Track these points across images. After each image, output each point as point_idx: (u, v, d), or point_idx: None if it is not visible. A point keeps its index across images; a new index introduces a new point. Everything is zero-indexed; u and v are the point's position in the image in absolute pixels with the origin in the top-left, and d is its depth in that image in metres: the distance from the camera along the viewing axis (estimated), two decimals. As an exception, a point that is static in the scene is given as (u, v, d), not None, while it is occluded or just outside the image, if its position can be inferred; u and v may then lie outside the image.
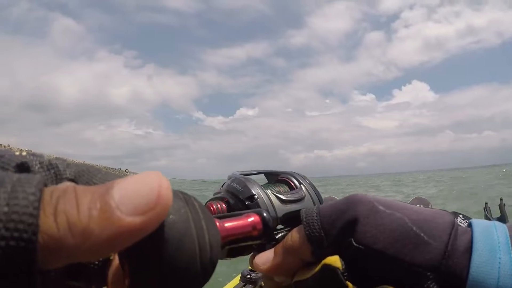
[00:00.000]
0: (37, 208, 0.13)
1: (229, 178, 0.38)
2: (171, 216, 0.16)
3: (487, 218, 1.74)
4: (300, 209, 0.34)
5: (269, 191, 0.36)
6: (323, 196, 0.39)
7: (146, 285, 0.16)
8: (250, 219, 0.25)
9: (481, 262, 0.26)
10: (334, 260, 0.27)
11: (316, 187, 0.38)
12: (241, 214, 0.27)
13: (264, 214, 0.26)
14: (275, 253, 0.32)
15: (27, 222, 0.13)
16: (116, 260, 0.19)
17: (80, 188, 0.14)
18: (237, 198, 0.35)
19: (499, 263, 0.25)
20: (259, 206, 0.34)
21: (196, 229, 0.17)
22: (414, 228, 0.27)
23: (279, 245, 0.32)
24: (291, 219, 0.34)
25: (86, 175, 0.18)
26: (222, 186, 0.39)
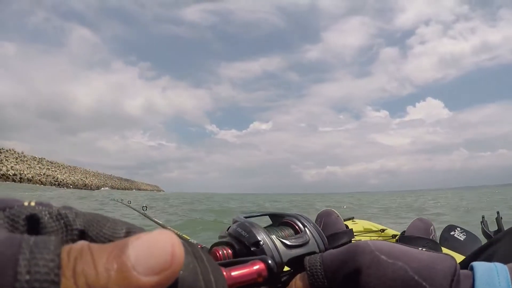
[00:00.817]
0: (58, 274, 0.14)
1: (234, 222, 0.39)
2: (181, 272, 0.17)
3: (484, 232, 1.74)
4: (304, 253, 0.35)
5: (274, 236, 0.36)
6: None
7: None
8: (256, 267, 0.25)
9: None
10: None
11: (321, 231, 0.38)
12: (246, 261, 0.27)
13: (269, 262, 0.26)
14: None
15: (46, 278, 0.13)
16: None
17: (95, 247, 0.15)
18: (243, 244, 0.36)
19: None
20: (264, 252, 0.34)
21: (204, 282, 0.18)
22: (416, 278, 0.26)
23: None
24: (297, 263, 0.35)
25: (95, 225, 0.17)
26: (227, 230, 0.39)
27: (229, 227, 0.39)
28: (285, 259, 0.35)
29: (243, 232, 0.36)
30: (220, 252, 0.35)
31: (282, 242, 0.36)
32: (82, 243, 0.16)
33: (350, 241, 1.23)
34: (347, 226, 1.25)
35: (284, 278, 0.35)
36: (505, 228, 1.74)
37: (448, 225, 1.62)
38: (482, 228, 1.76)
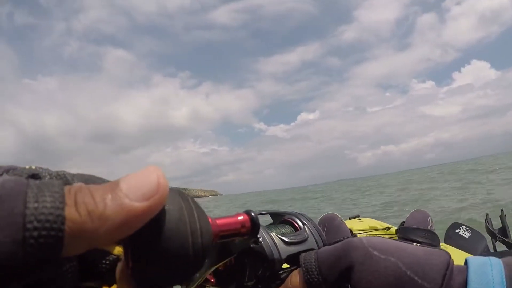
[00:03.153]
0: (62, 202, 0.16)
1: None
2: (167, 206, 0.19)
3: (488, 229, 1.76)
4: (303, 250, 0.36)
5: (274, 233, 0.37)
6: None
7: (145, 266, 0.19)
8: (240, 218, 0.26)
9: None
10: None
11: (320, 229, 0.39)
12: (232, 215, 0.28)
13: (252, 214, 0.26)
14: None
15: (55, 213, 0.15)
16: (123, 260, 0.21)
17: (92, 186, 0.17)
18: None
19: None
20: (263, 249, 0.35)
21: (188, 217, 0.20)
22: (408, 273, 0.27)
23: (282, 285, 0.34)
24: (295, 260, 0.36)
25: (91, 182, 0.20)
26: None
27: None
28: (283, 256, 0.36)
29: None
30: None
31: (281, 239, 0.37)
32: (80, 183, 0.19)
33: None
34: (351, 231, 1.26)
35: (284, 275, 0.36)
36: (509, 226, 1.77)
37: (452, 223, 1.64)
38: (486, 226, 1.78)
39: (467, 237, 1.53)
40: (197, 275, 0.32)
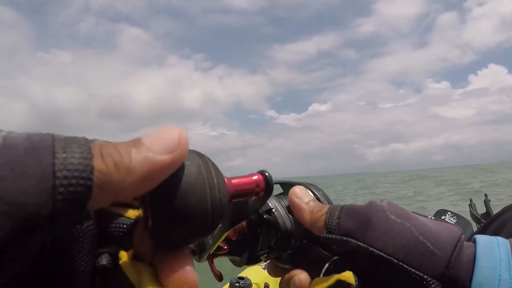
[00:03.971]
0: (90, 152, 0.16)
1: None
2: (186, 162, 0.20)
3: (472, 214, 1.76)
4: None
5: (286, 203, 0.37)
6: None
7: (165, 223, 0.19)
8: (255, 177, 0.26)
9: (482, 279, 0.27)
10: (348, 276, 0.29)
11: (330, 200, 0.39)
12: (246, 176, 0.27)
13: (266, 174, 0.26)
14: (307, 203, 0.35)
15: (84, 163, 0.16)
16: (140, 224, 0.21)
17: (113, 142, 0.18)
18: (257, 211, 0.36)
19: (499, 280, 0.27)
20: (276, 220, 0.36)
21: (206, 172, 0.20)
22: (421, 238, 0.28)
23: (313, 205, 0.35)
24: (310, 231, 0.35)
25: None
26: None
27: None
28: (296, 226, 0.36)
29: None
30: None
31: None
32: (101, 140, 0.18)
33: None
34: None
35: (296, 244, 0.36)
36: (493, 211, 1.78)
37: (438, 210, 1.62)
38: (470, 211, 1.78)
39: (452, 223, 1.51)
40: (210, 242, 0.33)
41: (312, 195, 0.38)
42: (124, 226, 0.22)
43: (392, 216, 0.30)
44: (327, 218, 0.33)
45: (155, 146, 0.18)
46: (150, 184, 0.18)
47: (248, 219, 0.37)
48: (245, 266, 0.39)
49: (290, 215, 0.37)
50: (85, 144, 0.16)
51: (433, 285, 0.27)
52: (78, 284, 0.20)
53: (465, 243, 0.30)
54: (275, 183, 0.40)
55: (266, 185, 0.26)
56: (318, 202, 0.36)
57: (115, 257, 0.21)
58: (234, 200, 0.24)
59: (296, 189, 0.37)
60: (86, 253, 0.20)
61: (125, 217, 0.22)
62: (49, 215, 0.15)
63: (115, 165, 0.16)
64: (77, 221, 0.18)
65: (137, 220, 0.22)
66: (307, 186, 0.40)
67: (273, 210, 0.36)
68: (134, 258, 0.21)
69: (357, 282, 0.29)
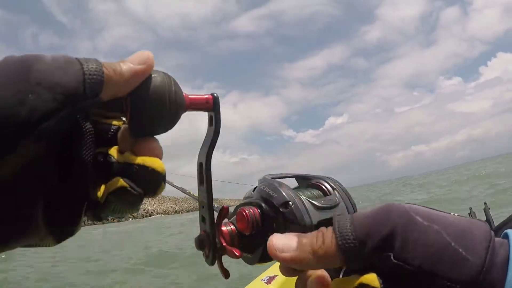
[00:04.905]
0: (101, 64, 0.26)
1: (260, 182, 0.38)
2: (153, 74, 0.29)
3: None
4: (334, 215, 0.33)
5: (303, 196, 0.36)
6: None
7: (138, 113, 0.28)
8: (206, 96, 0.33)
9: None
10: (372, 280, 0.26)
11: (350, 195, 0.38)
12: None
13: (215, 95, 0.33)
14: (300, 247, 0.29)
15: (98, 68, 0.26)
16: (123, 127, 0.30)
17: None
18: (270, 204, 0.36)
19: None
20: (294, 213, 0.34)
21: (167, 83, 0.29)
22: (453, 244, 0.26)
23: (307, 242, 0.29)
24: (326, 225, 0.32)
25: None
26: (253, 191, 0.39)
27: (255, 187, 0.39)
28: (315, 221, 0.34)
29: (271, 192, 0.36)
30: (247, 211, 0.36)
31: (311, 203, 0.35)
32: None
33: None
34: None
35: (307, 222, 0.34)
36: (493, 218, 1.74)
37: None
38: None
39: (500, 239, 1.47)
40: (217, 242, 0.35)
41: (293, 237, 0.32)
42: (112, 130, 0.30)
43: (418, 218, 0.27)
44: (339, 241, 0.28)
45: (133, 60, 0.28)
46: (132, 84, 0.28)
47: (262, 212, 0.36)
48: (257, 264, 0.38)
49: (309, 209, 0.35)
50: (97, 60, 0.27)
51: None
52: (87, 172, 0.27)
53: (497, 240, 0.27)
54: (290, 177, 0.40)
55: (214, 102, 0.33)
56: (305, 234, 0.30)
57: (106, 155, 0.29)
58: (189, 109, 0.32)
59: (272, 240, 0.30)
60: (90, 147, 0.27)
61: (112, 124, 0.31)
62: (82, 93, 0.25)
63: (113, 71, 0.27)
64: (92, 107, 0.26)
65: (119, 127, 0.31)
66: (324, 179, 0.39)
67: (290, 203, 0.35)
68: (119, 151, 0.29)
69: (382, 286, 0.26)
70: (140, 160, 0.28)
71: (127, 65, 0.27)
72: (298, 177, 0.41)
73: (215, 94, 0.33)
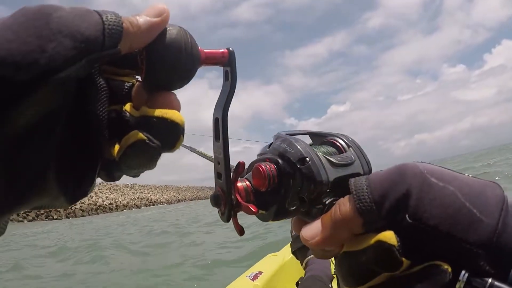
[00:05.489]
0: (119, 16, 0.26)
1: (276, 138, 0.37)
2: (169, 27, 0.29)
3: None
4: (350, 173, 0.34)
5: (320, 153, 0.35)
6: None
7: (154, 66, 0.28)
8: (221, 50, 0.33)
9: None
10: (390, 237, 0.26)
11: (365, 153, 0.37)
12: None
13: (231, 49, 0.34)
14: (323, 225, 0.30)
15: (117, 20, 0.26)
16: (136, 84, 0.31)
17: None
18: (287, 160, 0.34)
19: None
20: (310, 169, 0.33)
21: (184, 37, 0.29)
22: (467, 204, 0.26)
23: (327, 217, 0.30)
24: (341, 185, 0.33)
25: None
26: (268, 147, 0.37)
27: (270, 143, 0.38)
28: (331, 178, 0.33)
29: (287, 148, 0.35)
30: (264, 167, 0.34)
31: (328, 160, 0.34)
32: None
33: None
34: None
35: (326, 200, 0.33)
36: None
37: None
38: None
39: None
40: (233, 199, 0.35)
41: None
42: (126, 87, 0.31)
43: (433, 179, 0.27)
44: (357, 204, 0.28)
45: (149, 13, 0.28)
46: (149, 37, 0.28)
47: (279, 168, 0.35)
48: (271, 221, 0.37)
49: (325, 166, 0.33)
50: (115, 12, 0.27)
51: (481, 255, 0.25)
52: (102, 129, 0.27)
53: (510, 201, 0.27)
54: (304, 134, 0.40)
55: (230, 55, 0.33)
56: (326, 213, 0.31)
57: (120, 112, 0.29)
58: (204, 64, 0.32)
59: (302, 234, 0.32)
60: (104, 103, 0.28)
61: (126, 81, 0.31)
62: (102, 42, 0.25)
63: (131, 24, 0.27)
64: (109, 57, 0.26)
65: (133, 84, 0.31)
66: (339, 136, 0.38)
67: (307, 159, 0.33)
68: (134, 107, 0.29)
69: (399, 243, 0.26)
70: (158, 112, 0.28)
71: (144, 18, 0.27)
72: (312, 134, 0.40)
73: (230, 49, 0.33)
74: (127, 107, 0.29)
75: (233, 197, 0.35)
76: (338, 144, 0.37)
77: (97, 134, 0.27)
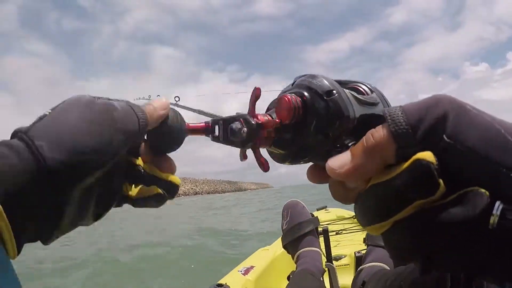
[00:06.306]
0: (145, 111, 0.37)
1: (298, 78, 0.36)
2: (170, 113, 0.40)
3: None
4: (373, 114, 0.33)
5: (346, 90, 0.33)
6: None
7: (158, 139, 0.40)
8: (201, 124, 0.42)
9: None
10: (428, 155, 0.25)
11: (385, 97, 0.37)
12: (199, 122, 0.42)
13: (210, 123, 0.42)
14: (353, 154, 0.28)
15: (144, 115, 0.37)
16: (143, 144, 0.41)
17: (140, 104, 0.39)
18: (315, 92, 0.32)
19: None
20: (337, 102, 0.31)
21: (179, 119, 0.41)
22: (503, 131, 0.25)
23: (358, 147, 0.28)
24: (366, 123, 0.31)
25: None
26: (292, 85, 0.36)
27: (294, 82, 0.36)
28: (357, 114, 0.32)
29: (314, 81, 0.33)
30: (289, 97, 0.33)
31: (354, 96, 0.33)
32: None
33: (316, 228, 1.28)
34: (312, 215, 1.31)
35: (350, 142, 0.32)
36: None
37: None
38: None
39: None
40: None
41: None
42: (137, 145, 0.41)
43: (469, 107, 0.26)
44: (391, 128, 0.26)
45: (158, 106, 0.39)
46: (157, 123, 0.39)
47: (305, 101, 0.33)
48: (286, 163, 0.36)
49: (352, 102, 0.32)
50: (144, 109, 0.37)
51: None
52: (123, 175, 0.39)
53: None
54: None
55: (206, 127, 0.41)
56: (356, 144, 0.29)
57: (136, 165, 0.40)
58: (190, 134, 0.41)
59: (329, 163, 0.29)
60: (124, 158, 0.39)
61: (137, 165, 0.41)
62: (138, 134, 0.36)
63: (150, 116, 0.37)
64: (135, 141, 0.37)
65: (140, 143, 0.41)
66: (362, 83, 0.37)
67: (334, 91, 0.32)
68: (143, 160, 0.41)
69: (437, 162, 0.24)
70: (166, 176, 0.41)
71: (156, 112, 0.38)
72: (337, 81, 0.38)
73: (210, 123, 0.41)
74: (140, 161, 0.41)
75: (252, 121, 0.34)
76: (361, 89, 0.37)
77: (120, 178, 0.38)
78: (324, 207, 3.00)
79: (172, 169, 0.43)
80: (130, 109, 0.36)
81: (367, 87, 0.37)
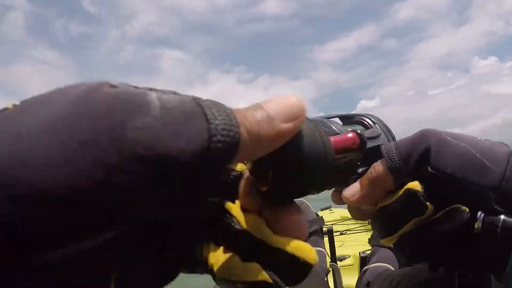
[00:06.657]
0: (237, 121, 0.17)
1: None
2: (302, 127, 0.21)
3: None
4: (377, 145, 0.37)
5: (350, 129, 0.36)
6: None
7: (286, 177, 0.21)
8: (349, 135, 0.28)
9: None
10: (415, 185, 0.32)
11: (388, 127, 0.41)
12: (340, 133, 0.32)
13: (359, 131, 0.28)
14: (361, 185, 0.35)
15: (234, 130, 0.17)
16: (246, 174, 0.22)
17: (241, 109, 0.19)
18: None
19: None
20: None
21: (320, 136, 0.22)
22: (478, 156, 0.30)
23: (364, 179, 0.35)
24: (371, 155, 0.36)
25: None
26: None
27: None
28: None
29: (324, 127, 0.35)
30: None
31: None
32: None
33: (321, 228, 1.28)
34: (317, 215, 1.32)
35: (360, 170, 0.37)
36: None
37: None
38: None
39: None
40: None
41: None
42: (232, 176, 0.23)
43: (449, 138, 0.32)
44: (387, 164, 0.33)
45: (278, 115, 0.19)
46: (271, 149, 0.19)
47: None
48: None
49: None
50: (232, 113, 0.17)
51: (492, 197, 0.29)
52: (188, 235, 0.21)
53: None
54: (334, 117, 0.43)
55: (361, 140, 0.28)
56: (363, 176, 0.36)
57: (217, 206, 0.22)
58: (339, 157, 0.27)
59: (343, 193, 0.36)
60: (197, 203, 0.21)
61: (233, 169, 0.23)
62: (202, 169, 0.16)
63: (248, 133, 0.17)
64: (218, 174, 0.20)
65: (241, 173, 0.23)
66: (366, 116, 0.42)
67: (339, 134, 0.34)
68: (241, 209, 0.22)
69: (423, 190, 0.31)
70: (289, 248, 0.20)
71: (271, 125, 0.18)
72: (342, 117, 0.44)
73: (358, 131, 0.28)
74: (234, 209, 0.22)
75: None
76: (365, 122, 0.41)
77: (196, 235, 0.22)
78: (329, 207, 3.00)
79: (300, 230, 0.21)
80: (190, 108, 0.16)
81: (370, 120, 0.41)
